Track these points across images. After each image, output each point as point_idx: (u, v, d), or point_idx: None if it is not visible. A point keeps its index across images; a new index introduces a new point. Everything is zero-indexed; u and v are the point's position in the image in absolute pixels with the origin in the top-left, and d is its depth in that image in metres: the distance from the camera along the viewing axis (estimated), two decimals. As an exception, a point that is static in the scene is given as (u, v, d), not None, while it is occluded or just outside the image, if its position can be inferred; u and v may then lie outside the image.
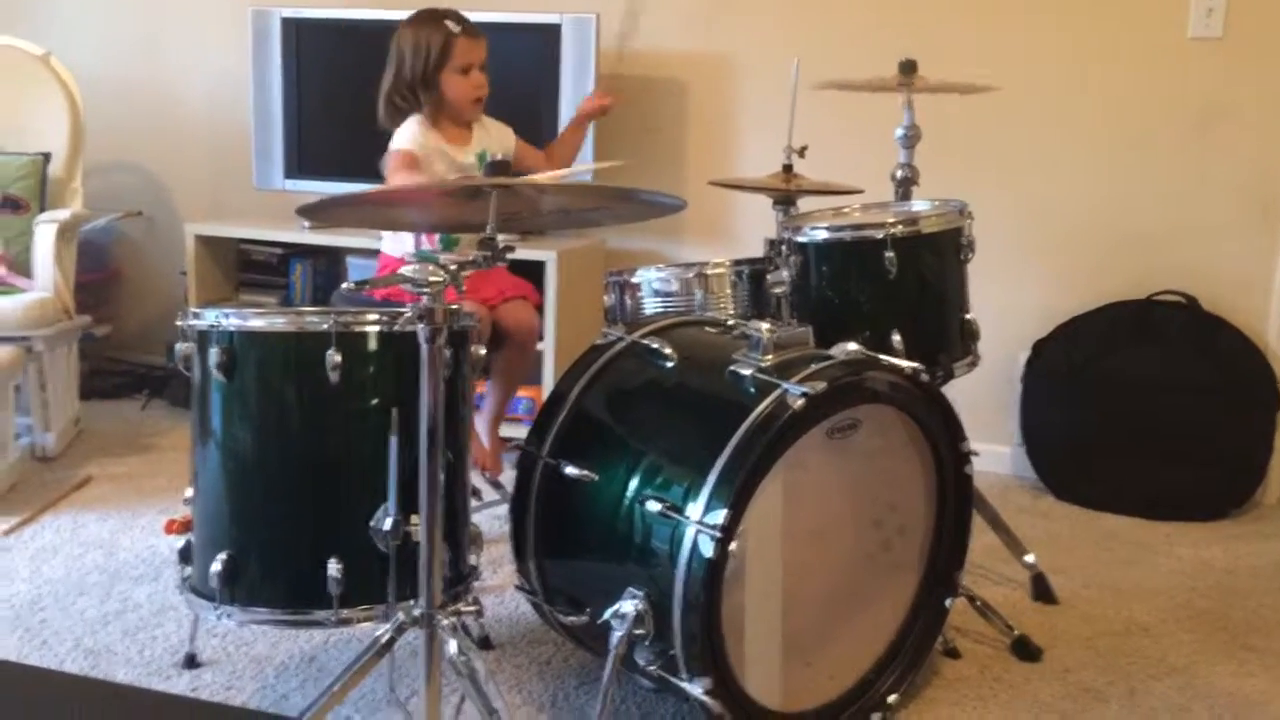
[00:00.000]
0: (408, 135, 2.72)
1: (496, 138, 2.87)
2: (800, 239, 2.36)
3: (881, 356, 1.98)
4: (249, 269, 3.91)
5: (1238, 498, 3.20)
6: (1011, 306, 3.37)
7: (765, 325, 1.93)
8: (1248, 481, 3.21)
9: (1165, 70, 3.25)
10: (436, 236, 2.72)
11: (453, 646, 1.80)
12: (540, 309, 2.85)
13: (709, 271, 2.45)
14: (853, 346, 1.95)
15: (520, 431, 3.32)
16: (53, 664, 2.21)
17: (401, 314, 1.83)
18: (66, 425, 3.44)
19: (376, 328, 1.87)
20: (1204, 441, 3.17)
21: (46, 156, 3.54)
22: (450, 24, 2.70)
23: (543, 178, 2.10)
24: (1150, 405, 3.20)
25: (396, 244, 2.82)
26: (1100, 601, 2.60)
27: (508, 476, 2.31)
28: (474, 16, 2.80)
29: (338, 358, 1.81)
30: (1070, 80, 3.32)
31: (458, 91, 2.73)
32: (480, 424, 2.91)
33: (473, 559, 2.03)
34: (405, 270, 1.76)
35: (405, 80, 2.73)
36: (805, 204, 2.62)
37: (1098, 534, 3.04)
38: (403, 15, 2.81)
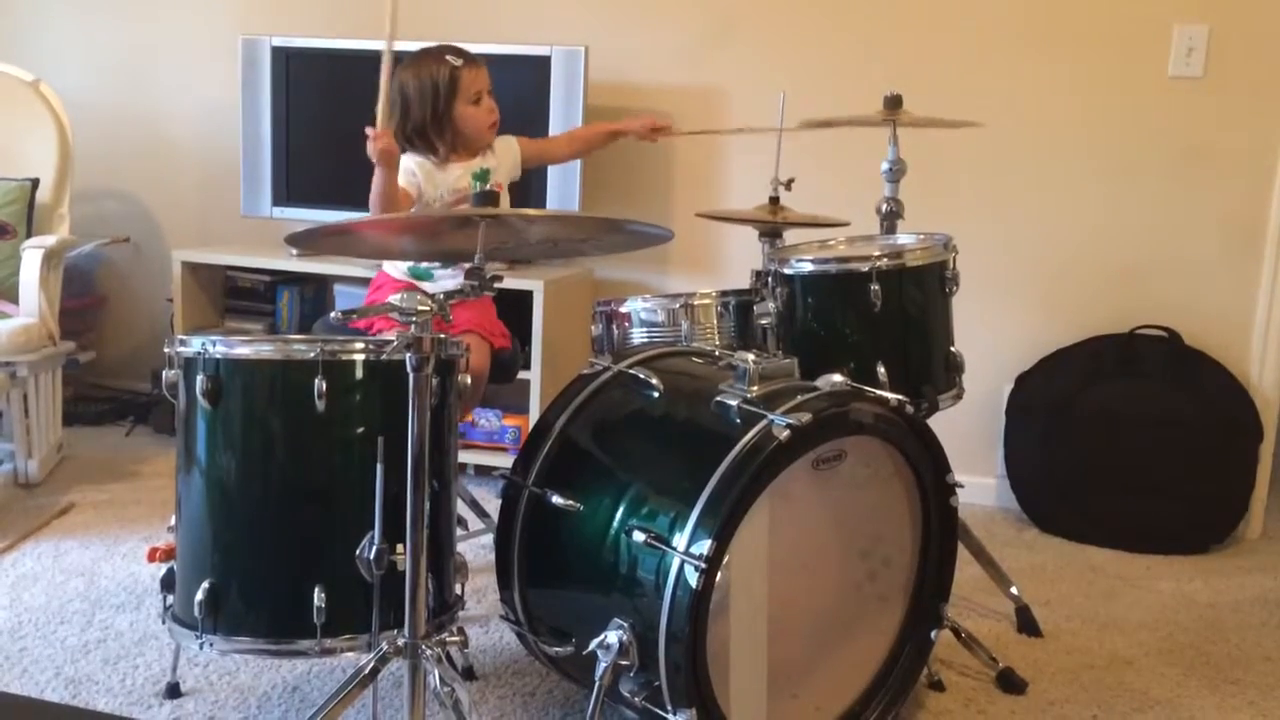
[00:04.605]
0: (403, 172, 2.62)
1: (500, 152, 2.79)
2: (786, 271, 2.37)
3: (867, 388, 1.99)
4: (236, 296, 3.90)
5: (1220, 532, 3.22)
6: (996, 339, 3.39)
7: (751, 356, 1.94)
8: (1230, 515, 3.22)
9: (1147, 108, 3.29)
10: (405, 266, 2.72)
11: (436, 677, 1.80)
12: (504, 351, 2.77)
13: (696, 302, 2.46)
14: (838, 378, 1.96)
15: (506, 461, 3.34)
16: (33, 692, 2.19)
17: (389, 343, 1.83)
18: (49, 451, 3.42)
19: (363, 356, 1.88)
20: (1186, 475, 3.19)
21: (34, 182, 3.54)
22: (451, 58, 2.66)
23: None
24: (1132, 438, 3.22)
25: (395, 265, 2.80)
26: (1084, 634, 2.61)
27: (493, 506, 2.31)
28: (464, 48, 2.81)
29: (324, 386, 1.82)
30: (1054, 117, 3.36)
31: (473, 122, 2.66)
32: None
33: (457, 588, 2.03)
34: (393, 299, 1.77)
35: (414, 124, 2.64)
36: (791, 236, 2.63)
37: (1081, 566, 3.05)
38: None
